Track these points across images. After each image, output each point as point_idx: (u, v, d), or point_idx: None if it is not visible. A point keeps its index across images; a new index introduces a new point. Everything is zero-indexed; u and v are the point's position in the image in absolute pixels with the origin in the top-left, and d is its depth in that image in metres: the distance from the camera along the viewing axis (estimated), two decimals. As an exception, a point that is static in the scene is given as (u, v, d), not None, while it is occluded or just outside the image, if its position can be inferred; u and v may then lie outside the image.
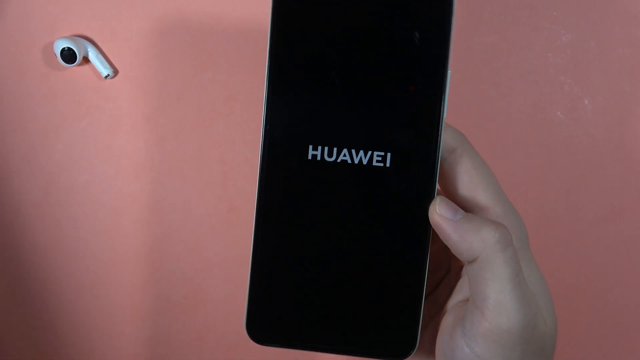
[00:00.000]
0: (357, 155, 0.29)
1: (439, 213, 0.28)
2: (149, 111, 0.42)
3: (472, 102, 0.41)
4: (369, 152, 0.29)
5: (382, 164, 0.29)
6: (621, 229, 0.41)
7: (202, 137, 0.41)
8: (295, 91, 0.30)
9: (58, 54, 0.40)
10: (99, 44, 0.42)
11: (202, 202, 0.41)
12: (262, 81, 0.44)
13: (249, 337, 0.30)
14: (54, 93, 0.41)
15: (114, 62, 0.42)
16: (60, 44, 0.40)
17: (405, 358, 0.29)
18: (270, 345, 0.30)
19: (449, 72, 0.29)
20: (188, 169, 0.41)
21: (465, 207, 0.30)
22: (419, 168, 0.29)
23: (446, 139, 0.30)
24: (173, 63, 0.42)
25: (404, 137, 0.29)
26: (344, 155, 0.29)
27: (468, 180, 0.29)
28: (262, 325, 0.30)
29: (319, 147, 0.29)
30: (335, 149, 0.29)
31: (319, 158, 0.29)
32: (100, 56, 0.41)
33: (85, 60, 0.41)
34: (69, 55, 0.40)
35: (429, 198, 0.29)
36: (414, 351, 0.29)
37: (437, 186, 0.30)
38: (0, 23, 0.42)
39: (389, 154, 0.29)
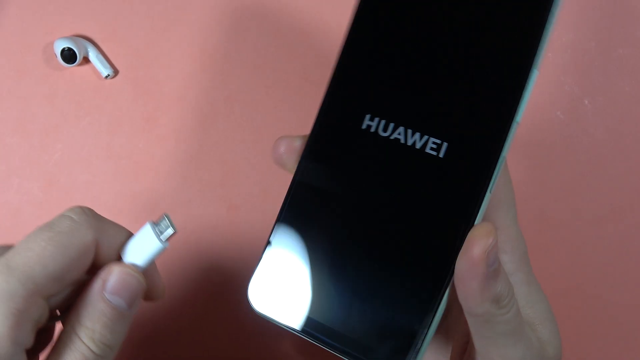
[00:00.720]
0: (412, 136, 0.27)
1: (487, 251, 0.23)
2: (149, 111, 0.42)
3: (472, 102, 0.41)
4: (425, 137, 0.27)
5: (435, 153, 0.26)
6: (621, 229, 0.41)
7: (202, 137, 0.41)
8: (367, 59, 0.28)
9: (58, 54, 0.40)
10: (99, 44, 0.42)
11: (202, 202, 0.41)
12: (262, 81, 0.45)
13: (249, 301, 0.28)
14: (54, 93, 0.41)
15: (114, 62, 0.42)
16: (60, 44, 0.40)
17: None
18: (265, 317, 0.28)
19: (536, 73, 0.26)
20: (188, 169, 0.41)
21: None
22: (472, 170, 0.26)
23: None
24: (173, 63, 0.42)
25: (467, 131, 0.26)
26: (399, 134, 0.27)
27: (494, 197, 0.27)
28: (265, 292, 0.28)
29: (376, 119, 0.27)
30: (391, 125, 0.27)
31: (372, 130, 0.27)
32: (100, 56, 0.41)
33: (85, 60, 0.41)
34: (69, 55, 0.40)
35: (473, 211, 0.25)
36: None
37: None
38: (0, 23, 0.42)
39: (445, 144, 0.26)
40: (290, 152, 0.28)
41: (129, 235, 0.27)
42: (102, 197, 0.41)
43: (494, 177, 0.25)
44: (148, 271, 0.28)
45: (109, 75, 0.41)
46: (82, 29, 0.42)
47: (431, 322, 0.25)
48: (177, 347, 0.41)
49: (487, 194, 0.25)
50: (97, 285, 0.25)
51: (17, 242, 0.24)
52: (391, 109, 0.27)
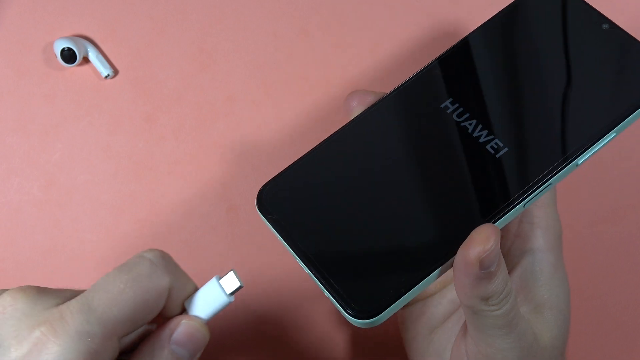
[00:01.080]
0: (479, 131, 0.29)
1: (478, 255, 0.24)
2: (149, 111, 0.42)
3: (472, 102, 0.41)
4: (491, 136, 0.29)
5: (492, 152, 0.28)
6: (621, 229, 0.41)
7: (202, 137, 0.42)
8: (472, 60, 0.31)
9: (58, 54, 0.40)
10: (99, 44, 0.42)
11: (202, 202, 0.41)
12: (262, 82, 0.45)
13: (257, 199, 0.29)
14: (54, 93, 0.41)
15: (114, 62, 0.42)
16: (60, 44, 0.40)
17: (362, 323, 0.26)
18: (265, 217, 0.29)
19: (613, 135, 0.29)
20: (188, 169, 0.41)
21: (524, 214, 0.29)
22: (516, 179, 0.28)
23: None
24: (173, 63, 0.42)
25: (529, 148, 0.28)
26: (470, 124, 0.29)
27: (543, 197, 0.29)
28: (277, 197, 0.29)
29: (456, 104, 0.30)
30: (467, 115, 0.29)
31: (448, 111, 0.30)
32: (100, 56, 0.41)
33: (85, 60, 0.41)
34: (69, 55, 0.40)
35: (495, 213, 0.27)
36: (373, 324, 0.26)
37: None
38: (0, 23, 0.42)
39: (505, 149, 0.28)
40: (362, 104, 0.30)
41: (195, 286, 0.28)
42: (102, 197, 0.41)
43: (532, 195, 0.27)
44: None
45: (109, 75, 0.41)
46: (82, 29, 0.42)
47: (412, 287, 0.26)
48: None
49: (520, 207, 0.27)
50: (164, 334, 0.26)
51: (96, 281, 0.25)
52: (475, 103, 0.30)
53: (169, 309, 0.26)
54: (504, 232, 0.31)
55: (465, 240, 0.25)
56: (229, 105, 0.42)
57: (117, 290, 0.24)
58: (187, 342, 0.26)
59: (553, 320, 0.29)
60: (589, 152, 0.28)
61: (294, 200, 0.29)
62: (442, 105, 0.30)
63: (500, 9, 0.31)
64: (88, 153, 0.41)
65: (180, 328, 0.26)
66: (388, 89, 0.42)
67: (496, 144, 0.28)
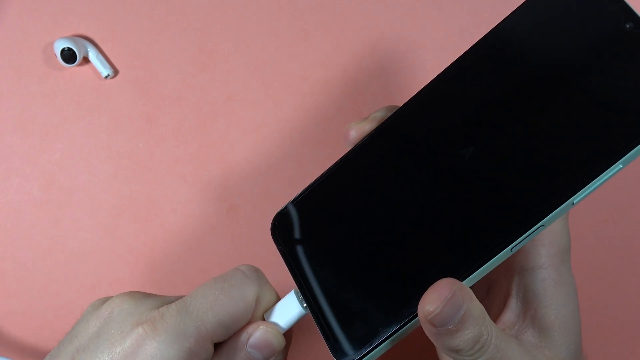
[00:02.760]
0: (474, 163, 0.26)
1: (425, 313, 0.24)
2: (149, 111, 0.42)
3: (472, 102, 0.41)
4: (486, 170, 0.26)
5: (484, 189, 0.26)
6: (621, 230, 0.41)
7: (202, 137, 0.41)
8: (473, 82, 0.28)
9: (58, 54, 0.40)
10: (99, 44, 0.42)
11: (202, 202, 0.41)
12: (262, 81, 0.44)
13: (272, 223, 0.30)
14: (54, 93, 0.41)
15: (114, 62, 0.42)
16: (60, 44, 0.40)
17: None
18: (278, 243, 0.29)
19: (620, 167, 0.24)
20: (188, 169, 0.41)
21: None
22: (499, 226, 0.25)
23: None
24: (173, 63, 0.42)
25: (519, 187, 0.25)
26: (464, 153, 0.26)
27: None
28: (290, 225, 0.29)
29: (455, 131, 0.27)
30: (463, 142, 0.27)
31: (446, 144, 0.27)
32: (100, 56, 0.41)
33: (85, 60, 0.41)
34: (69, 55, 0.40)
35: (464, 268, 0.25)
36: None
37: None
38: (0, 23, 0.42)
39: (498, 185, 0.25)
40: (362, 135, 0.30)
41: (278, 298, 0.29)
42: (102, 197, 0.41)
43: (519, 240, 0.24)
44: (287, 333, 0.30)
45: (108, 75, 0.41)
46: (82, 29, 0.42)
47: (390, 335, 0.26)
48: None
49: (506, 251, 0.25)
50: (242, 337, 0.28)
51: (195, 288, 0.27)
52: (477, 135, 0.26)
53: (255, 317, 0.28)
54: None
55: (422, 298, 0.24)
56: (229, 105, 0.42)
57: (212, 297, 0.27)
58: (262, 347, 0.27)
59: (562, 341, 0.28)
60: (588, 189, 0.24)
61: (306, 232, 0.29)
62: (441, 134, 0.27)
63: (504, 17, 0.28)
64: (88, 153, 0.41)
65: (258, 333, 0.28)
66: (388, 89, 0.42)
67: (491, 179, 0.26)
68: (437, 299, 0.24)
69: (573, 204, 0.24)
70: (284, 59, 0.43)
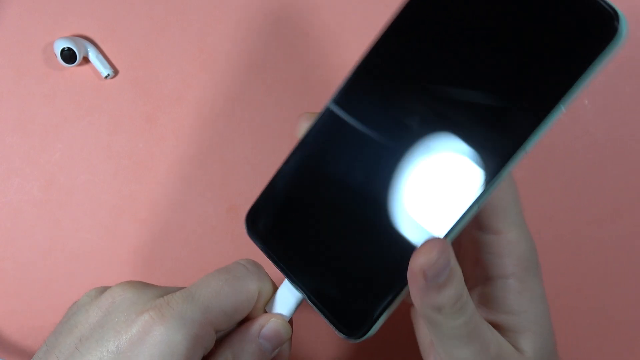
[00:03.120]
0: (425, 128, 0.27)
1: (418, 264, 0.25)
2: (149, 111, 0.42)
3: (472, 102, 0.41)
4: (439, 129, 0.27)
5: (444, 144, 0.27)
6: (621, 229, 0.41)
7: (202, 137, 0.41)
8: (407, 41, 0.28)
9: (58, 54, 0.40)
10: (99, 44, 0.42)
11: (202, 202, 0.41)
12: (262, 81, 0.44)
13: (245, 225, 0.30)
14: (54, 93, 0.41)
15: (114, 62, 0.42)
16: (60, 44, 0.40)
17: (354, 340, 0.28)
18: (254, 242, 0.30)
19: (562, 109, 0.25)
20: (188, 169, 0.41)
21: (480, 225, 0.29)
22: (466, 176, 0.26)
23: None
24: (173, 63, 0.42)
25: (472, 139, 0.26)
26: (414, 121, 0.27)
27: (493, 200, 0.28)
28: (259, 222, 0.30)
29: (400, 100, 0.28)
30: (411, 111, 0.28)
31: (393, 110, 0.28)
32: (100, 56, 0.41)
33: (85, 60, 0.41)
34: (69, 55, 0.40)
35: (454, 214, 0.26)
36: (364, 338, 0.27)
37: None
38: (0, 23, 0.42)
39: (454, 141, 0.26)
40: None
41: (275, 289, 0.30)
42: (102, 197, 0.41)
43: (483, 194, 0.26)
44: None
45: (108, 75, 0.41)
46: (82, 29, 0.42)
47: (393, 301, 0.27)
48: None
49: (473, 208, 0.26)
50: (254, 328, 0.29)
51: (199, 279, 0.28)
52: (413, 100, 0.27)
53: (256, 310, 0.29)
54: (461, 260, 0.31)
55: (413, 254, 0.25)
56: (229, 105, 0.42)
57: (217, 286, 0.27)
58: (273, 338, 0.28)
59: (530, 343, 0.29)
60: (537, 135, 0.25)
61: (277, 224, 0.30)
62: (386, 105, 0.28)
63: None
64: (88, 153, 0.41)
65: (269, 324, 0.29)
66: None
67: (444, 138, 0.27)
68: (430, 251, 0.25)
69: (526, 152, 0.25)
70: (283, 59, 0.43)
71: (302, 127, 0.30)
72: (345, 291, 0.28)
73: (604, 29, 0.26)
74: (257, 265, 0.30)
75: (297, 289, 0.29)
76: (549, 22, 0.25)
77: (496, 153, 0.26)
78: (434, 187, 0.27)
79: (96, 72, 0.41)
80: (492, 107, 0.26)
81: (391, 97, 0.28)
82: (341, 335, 0.28)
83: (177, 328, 0.26)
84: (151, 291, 0.28)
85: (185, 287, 0.28)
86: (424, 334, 0.31)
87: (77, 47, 0.40)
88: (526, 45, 0.26)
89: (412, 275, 0.25)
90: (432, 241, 0.25)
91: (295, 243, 0.29)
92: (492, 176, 0.26)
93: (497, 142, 0.26)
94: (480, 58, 0.26)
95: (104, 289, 0.29)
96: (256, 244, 0.30)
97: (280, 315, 0.29)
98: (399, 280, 0.27)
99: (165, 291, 0.28)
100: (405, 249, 0.27)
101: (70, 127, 0.41)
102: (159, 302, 0.27)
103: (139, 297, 0.27)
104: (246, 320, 0.29)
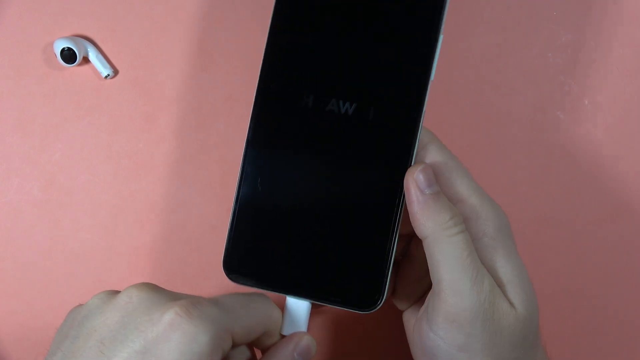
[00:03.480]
0: (343, 105, 0.30)
1: (415, 179, 0.29)
2: (149, 111, 0.42)
3: (472, 102, 0.41)
4: (354, 104, 0.30)
5: (366, 117, 0.30)
6: (621, 229, 0.41)
7: (202, 137, 0.41)
8: (292, 45, 0.32)
9: (58, 54, 0.40)
10: (99, 44, 0.42)
11: (202, 202, 0.41)
12: (262, 81, 0.44)
13: (226, 274, 0.32)
14: (54, 93, 0.41)
15: (114, 62, 0.42)
16: (60, 44, 0.40)
17: (373, 310, 0.31)
18: (243, 284, 0.31)
19: (441, 36, 0.30)
20: (188, 169, 0.41)
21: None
22: (401, 126, 0.30)
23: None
24: (173, 63, 0.42)
25: (388, 93, 0.30)
26: (332, 105, 0.31)
27: (443, 174, 0.30)
28: (238, 264, 0.32)
29: (310, 96, 0.31)
30: (324, 98, 0.31)
31: (309, 105, 0.31)
32: (100, 56, 0.41)
33: (85, 60, 0.41)
34: (69, 55, 0.40)
35: (407, 158, 0.30)
36: (380, 305, 0.30)
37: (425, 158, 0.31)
38: (0, 23, 0.42)
39: (372, 108, 0.30)
40: None
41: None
42: (102, 197, 0.41)
43: (420, 126, 0.30)
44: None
45: (109, 75, 0.41)
46: (82, 29, 0.42)
47: (389, 261, 0.30)
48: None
49: (417, 141, 0.30)
50: (290, 346, 0.30)
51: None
52: (320, 85, 0.31)
53: (271, 334, 0.31)
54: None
55: (415, 166, 0.30)
56: (229, 105, 0.42)
57: (243, 300, 0.29)
58: (305, 354, 0.30)
59: (514, 294, 0.30)
60: (434, 64, 0.30)
61: (254, 257, 0.32)
62: (300, 105, 0.31)
63: None
64: (88, 153, 0.41)
65: (303, 342, 0.30)
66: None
67: (362, 107, 0.30)
68: (416, 167, 0.29)
69: (431, 81, 0.30)
70: (284, 59, 0.43)
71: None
72: (343, 277, 0.31)
73: None
74: (269, 299, 0.31)
75: (301, 299, 0.31)
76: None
77: (412, 89, 0.30)
78: (372, 160, 0.30)
79: (96, 72, 0.41)
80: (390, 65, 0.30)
81: (306, 97, 0.31)
82: (362, 312, 0.30)
83: (205, 327, 0.26)
84: (167, 293, 0.29)
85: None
86: (415, 338, 0.32)
87: (77, 47, 0.40)
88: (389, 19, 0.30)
89: (408, 189, 0.29)
90: (414, 164, 0.30)
91: (278, 263, 0.31)
92: (420, 109, 0.30)
93: (409, 84, 0.30)
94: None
95: (114, 292, 0.29)
96: (245, 285, 0.31)
97: (303, 332, 0.31)
98: (383, 241, 0.30)
99: (179, 296, 0.29)
100: (372, 214, 0.30)
101: (70, 127, 0.41)
102: (185, 301, 0.27)
103: (158, 298, 0.28)
104: (259, 342, 0.31)
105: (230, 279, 0.32)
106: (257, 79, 0.32)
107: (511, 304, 0.29)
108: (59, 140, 0.41)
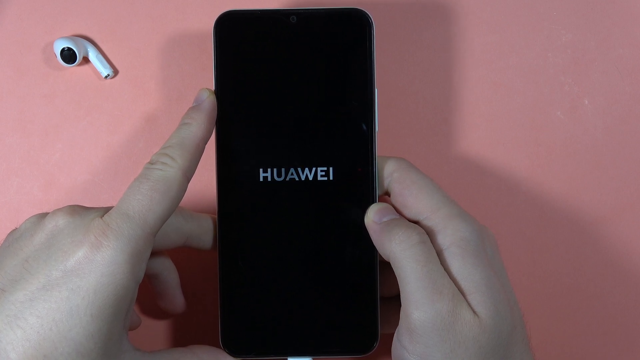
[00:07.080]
0: (302, 172, 0.33)
1: (371, 217, 0.32)
2: (149, 111, 0.42)
3: (471, 102, 0.41)
4: (313, 169, 0.33)
5: (326, 178, 0.33)
6: (621, 229, 0.41)
7: (202, 137, 0.41)
8: (241, 124, 0.34)
9: (58, 54, 0.40)
10: (99, 44, 0.42)
11: (202, 202, 0.41)
12: (262, 81, 0.44)
13: (226, 351, 0.33)
14: (54, 93, 0.41)
15: (114, 62, 0.42)
16: (60, 44, 0.40)
17: (370, 351, 0.33)
18: (245, 357, 0.33)
19: (376, 90, 0.33)
20: (188, 169, 0.41)
21: (415, 215, 0.32)
22: (359, 178, 0.33)
23: (383, 165, 0.33)
24: (173, 63, 0.42)
25: (341, 152, 0.33)
26: (292, 174, 0.33)
27: (412, 192, 0.32)
28: (237, 341, 0.33)
29: (269, 170, 0.33)
30: (283, 169, 0.33)
31: (269, 179, 0.33)
32: (100, 56, 0.41)
33: (85, 60, 0.41)
34: (69, 55, 0.40)
35: (371, 202, 0.33)
36: (377, 344, 0.33)
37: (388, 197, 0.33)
38: (0, 23, 0.42)
39: (331, 168, 0.33)
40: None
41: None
42: (102, 197, 0.41)
43: (374, 174, 0.33)
44: (170, 289, 0.36)
45: (109, 75, 0.41)
46: (82, 29, 0.42)
47: (377, 300, 0.33)
48: (177, 346, 0.41)
49: (375, 185, 0.33)
50: None
51: (124, 194, 0.30)
52: (276, 157, 0.33)
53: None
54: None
55: (370, 207, 0.33)
56: (229, 105, 0.42)
57: (146, 196, 0.29)
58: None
59: (477, 302, 0.30)
60: (375, 118, 0.33)
61: (250, 329, 0.34)
62: (260, 180, 0.33)
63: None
64: (88, 153, 0.41)
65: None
66: (385, 88, 0.42)
67: (322, 170, 0.33)
68: (375, 205, 0.33)
69: (377, 132, 0.33)
70: (284, 59, 0.43)
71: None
72: (338, 328, 0.33)
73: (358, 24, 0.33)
74: (166, 154, 0.32)
75: (304, 358, 0.33)
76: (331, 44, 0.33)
77: (362, 147, 0.33)
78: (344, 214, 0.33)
79: (96, 72, 0.41)
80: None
81: (263, 171, 0.33)
82: (363, 355, 0.33)
83: (121, 247, 0.28)
84: (91, 213, 0.30)
85: (114, 206, 0.30)
86: (392, 351, 0.33)
87: (77, 47, 0.40)
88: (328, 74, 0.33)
89: (368, 226, 0.32)
90: (370, 206, 0.33)
91: (274, 330, 0.33)
92: (373, 160, 0.33)
93: (357, 142, 0.33)
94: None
95: (44, 215, 0.31)
96: (249, 357, 0.33)
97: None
98: (367, 286, 0.33)
99: (100, 212, 0.30)
100: (354, 264, 0.33)
101: (70, 127, 0.41)
102: (100, 224, 0.28)
103: (81, 220, 0.29)
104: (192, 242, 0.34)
105: (233, 356, 0.33)
106: (215, 164, 0.34)
107: (475, 313, 0.29)
108: (59, 140, 0.41)
